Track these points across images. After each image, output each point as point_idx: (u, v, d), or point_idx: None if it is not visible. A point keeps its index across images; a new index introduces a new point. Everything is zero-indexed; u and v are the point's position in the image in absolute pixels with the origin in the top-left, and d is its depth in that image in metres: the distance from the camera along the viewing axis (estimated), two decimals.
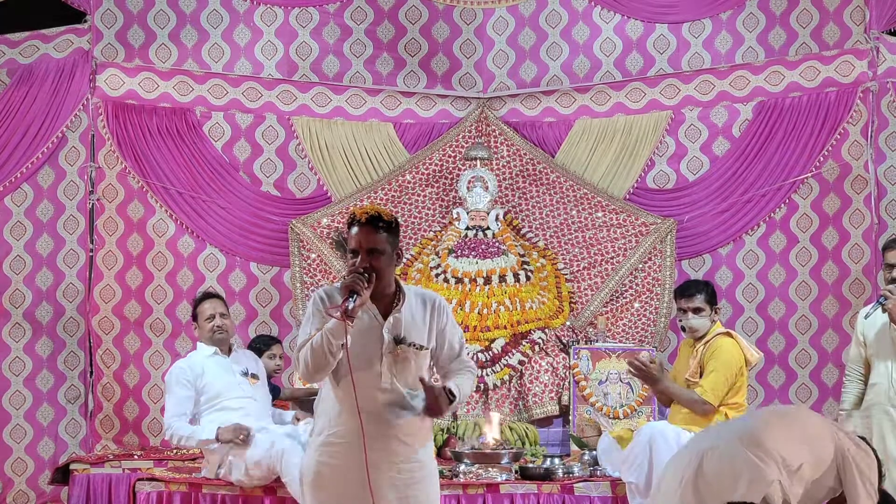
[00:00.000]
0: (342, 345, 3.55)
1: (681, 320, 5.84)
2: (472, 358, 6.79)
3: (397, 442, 3.69)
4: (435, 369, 3.86)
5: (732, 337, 5.64)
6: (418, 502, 3.74)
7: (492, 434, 6.07)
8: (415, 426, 3.72)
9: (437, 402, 3.65)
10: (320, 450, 3.72)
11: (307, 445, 3.83)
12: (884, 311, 5.17)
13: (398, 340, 3.68)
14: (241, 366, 5.72)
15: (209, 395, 5.58)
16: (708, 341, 5.60)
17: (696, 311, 5.63)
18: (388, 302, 3.72)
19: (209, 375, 5.60)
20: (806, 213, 7.44)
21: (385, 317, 3.69)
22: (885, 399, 5.24)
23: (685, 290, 5.76)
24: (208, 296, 5.95)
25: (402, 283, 3.78)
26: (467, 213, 7.34)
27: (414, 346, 3.70)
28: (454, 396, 3.68)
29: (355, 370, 3.62)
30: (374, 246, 3.64)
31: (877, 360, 5.32)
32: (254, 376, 5.73)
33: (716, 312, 5.69)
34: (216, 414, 5.53)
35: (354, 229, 3.67)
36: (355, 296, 3.54)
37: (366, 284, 3.57)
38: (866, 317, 5.31)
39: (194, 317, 5.85)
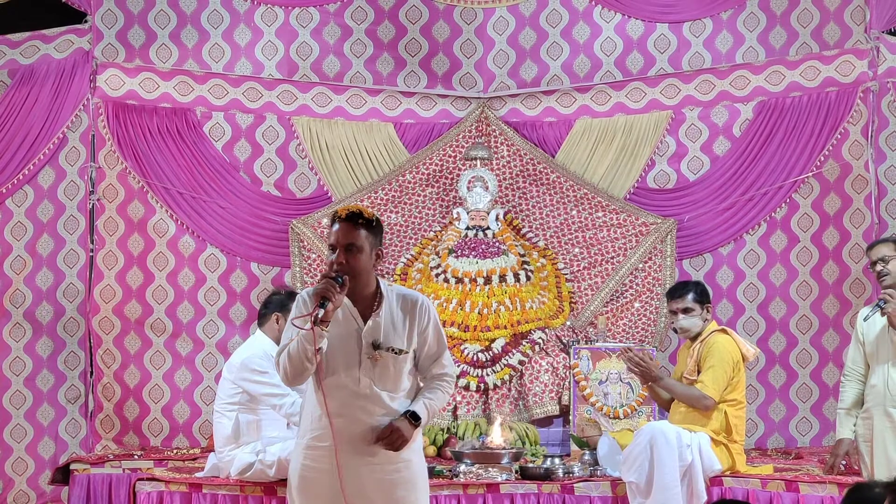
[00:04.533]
0: (318, 350, 3.52)
1: (672, 322, 5.84)
2: (473, 358, 6.79)
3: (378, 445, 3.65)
4: (416, 371, 3.83)
5: (728, 333, 5.65)
6: (407, 502, 3.71)
7: (493, 436, 6.08)
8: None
9: (393, 436, 3.61)
10: (304, 453, 3.69)
11: (293, 449, 3.81)
12: (883, 314, 5.16)
13: (376, 345, 3.64)
14: None
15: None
16: (704, 339, 5.61)
17: (686, 311, 5.64)
18: (368, 303, 3.68)
19: (277, 378, 5.48)
20: (806, 212, 7.43)
21: (365, 320, 3.66)
22: (883, 400, 5.23)
23: (674, 291, 5.78)
24: None
25: (383, 283, 3.74)
26: (467, 213, 7.34)
27: (392, 350, 3.66)
28: (418, 420, 3.66)
29: (335, 373, 3.61)
30: (352, 241, 3.61)
31: (875, 361, 5.30)
32: None
33: (707, 311, 5.68)
34: (273, 420, 5.50)
35: (335, 226, 3.65)
36: (326, 302, 3.50)
37: (338, 289, 3.53)
38: (865, 319, 5.30)
39: (282, 309, 5.51)
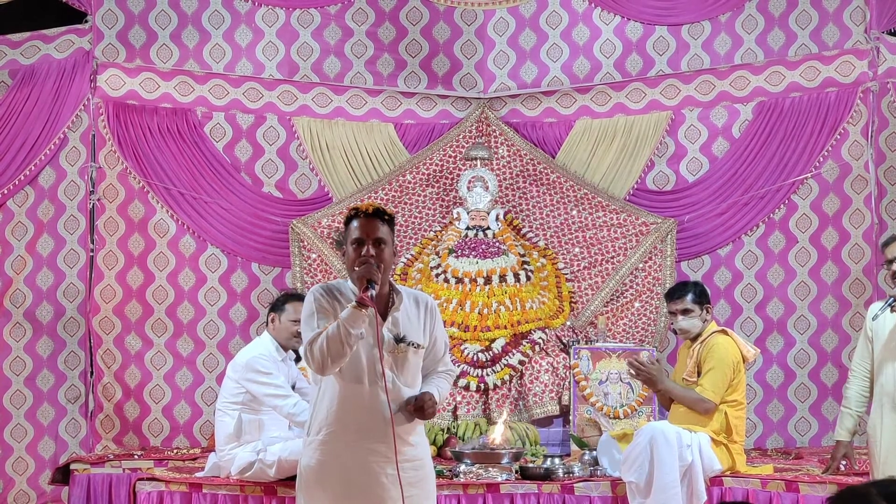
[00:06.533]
0: (361, 334, 3.57)
1: (671, 323, 5.83)
2: (473, 358, 6.80)
3: (399, 440, 3.67)
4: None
5: (728, 334, 5.63)
6: (419, 501, 3.73)
7: (495, 434, 6.08)
8: (413, 424, 3.73)
9: (425, 406, 3.68)
10: (321, 448, 3.69)
11: (305, 445, 3.80)
12: (892, 311, 5.14)
13: (398, 339, 3.70)
14: (291, 378, 5.66)
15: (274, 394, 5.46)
16: (704, 340, 5.59)
17: (685, 312, 5.61)
18: (384, 301, 3.72)
19: (280, 380, 5.47)
20: (805, 213, 7.44)
21: (383, 316, 3.70)
22: (889, 400, 5.21)
23: (673, 292, 5.75)
24: (301, 299, 5.50)
25: (394, 282, 3.80)
26: (467, 213, 7.35)
27: (413, 344, 3.72)
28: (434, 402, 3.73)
29: (359, 370, 3.64)
30: (379, 236, 3.68)
31: (884, 360, 5.26)
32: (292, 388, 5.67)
33: (707, 312, 5.66)
34: (276, 420, 5.50)
35: (357, 221, 3.70)
36: (373, 284, 3.57)
37: (378, 273, 3.60)
38: (874, 318, 5.27)
39: (273, 308, 5.57)
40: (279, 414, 5.42)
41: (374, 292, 3.54)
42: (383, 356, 3.63)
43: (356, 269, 3.64)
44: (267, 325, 5.65)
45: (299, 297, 5.57)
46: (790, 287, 7.45)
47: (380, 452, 3.64)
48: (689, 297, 5.62)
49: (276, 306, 5.59)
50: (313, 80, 7.69)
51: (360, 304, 3.52)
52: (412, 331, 3.73)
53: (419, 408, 3.66)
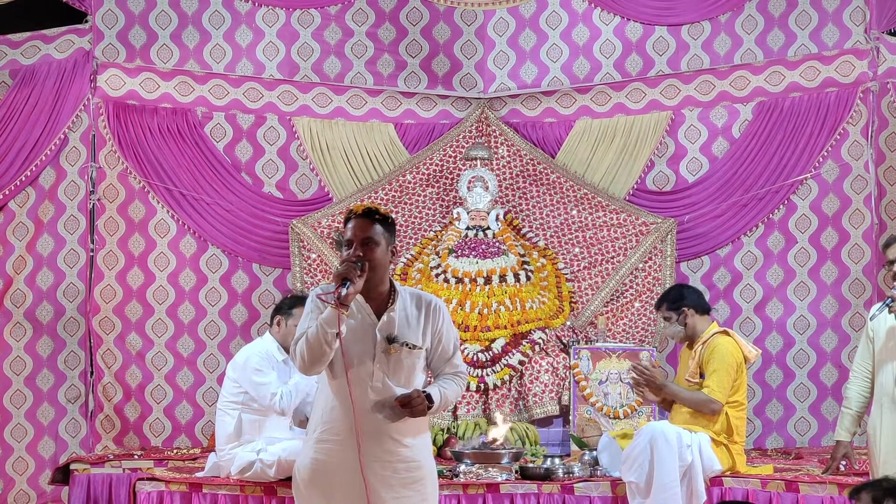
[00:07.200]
0: (337, 334, 3.55)
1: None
2: (473, 358, 6.80)
3: (391, 441, 3.66)
4: (428, 370, 3.84)
5: (730, 335, 5.64)
6: (415, 502, 3.70)
7: (495, 433, 6.08)
8: (409, 425, 3.70)
9: (412, 402, 3.63)
10: (315, 447, 3.69)
11: (304, 444, 3.81)
12: (890, 311, 5.14)
13: (391, 339, 3.67)
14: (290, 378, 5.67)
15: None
16: (706, 341, 5.60)
17: (666, 319, 5.73)
18: (382, 301, 3.71)
19: (270, 377, 5.49)
20: (805, 213, 7.44)
21: (379, 316, 3.69)
22: (889, 400, 5.21)
23: (657, 302, 5.86)
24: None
25: (396, 283, 3.78)
26: (467, 213, 7.35)
27: (407, 345, 3.68)
28: (432, 402, 3.67)
29: (349, 367, 3.62)
30: (368, 235, 3.65)
31: (883, 359, 5.27)
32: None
33: (684, 316, 5.64)
34: (276, 420, 5.52)
35: (350, 222, 3.70)
36: (348, 283, 3.54)
37: (359, 273, 3.58)
38: (872, 318, 5.28)
39: (280, 310, 5.62)
40: (273, 411, 5.44)
41: (344, 291, 3.52)
42: (345, 353, 3.60)
43: (337, 267, 3.64)
44: (270, 325, 5.66)
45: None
46: (790, 287, 7.46)
47: (370, 452, 3.62)
48: (665, 306, 5.74)
49: (283, 310, 5.61)
50: (313, 81, 7.70)
51: (341, 304, 3.51)
52: (408, 331, 3.70)
53: (405, 403, 3.62)
